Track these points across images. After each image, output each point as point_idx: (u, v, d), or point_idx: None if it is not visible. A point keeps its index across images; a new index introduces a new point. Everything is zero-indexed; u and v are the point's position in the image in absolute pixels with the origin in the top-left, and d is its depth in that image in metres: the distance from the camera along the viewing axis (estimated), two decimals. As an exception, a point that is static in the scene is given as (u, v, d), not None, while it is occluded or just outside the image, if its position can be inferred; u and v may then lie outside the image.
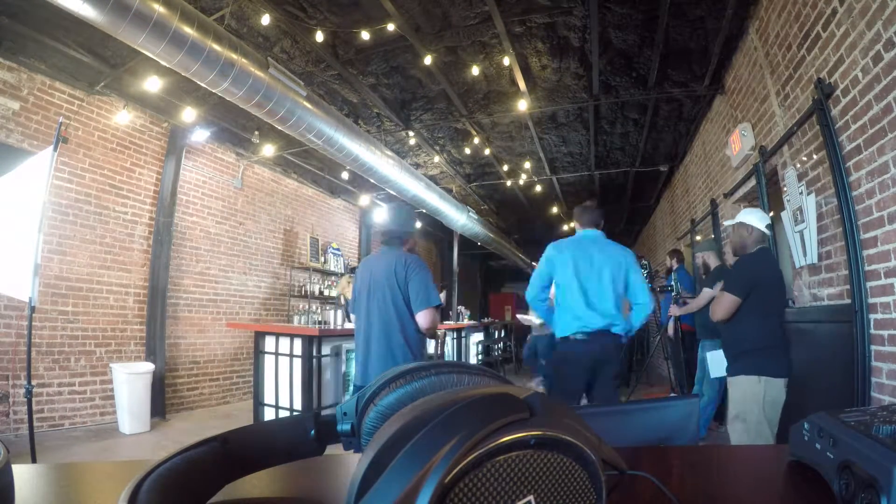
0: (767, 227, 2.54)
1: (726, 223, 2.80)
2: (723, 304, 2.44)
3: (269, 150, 5.67)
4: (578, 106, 4.93)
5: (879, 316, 2.15)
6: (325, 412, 0.34)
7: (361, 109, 5.15)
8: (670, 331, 4.53)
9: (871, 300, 2.20)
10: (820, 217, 2.68)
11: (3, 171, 3.06)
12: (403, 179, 5.51)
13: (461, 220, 7.49)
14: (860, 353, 2.22)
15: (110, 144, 4.58)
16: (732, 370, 2.48)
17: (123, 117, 4.61)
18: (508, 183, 7.30)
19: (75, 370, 4.23)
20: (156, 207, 4.97)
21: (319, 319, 5.82)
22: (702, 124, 5.15)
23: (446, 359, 5.99)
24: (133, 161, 4.80)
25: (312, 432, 0.33)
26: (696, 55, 4.01)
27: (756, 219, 2.51)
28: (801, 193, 2.78)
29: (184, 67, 2.89)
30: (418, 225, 2.38)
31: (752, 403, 2.30)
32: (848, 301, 2.35)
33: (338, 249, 8.09)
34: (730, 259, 3.24)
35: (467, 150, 6.18)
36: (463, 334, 7.92)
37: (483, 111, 5.11)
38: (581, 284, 2.57)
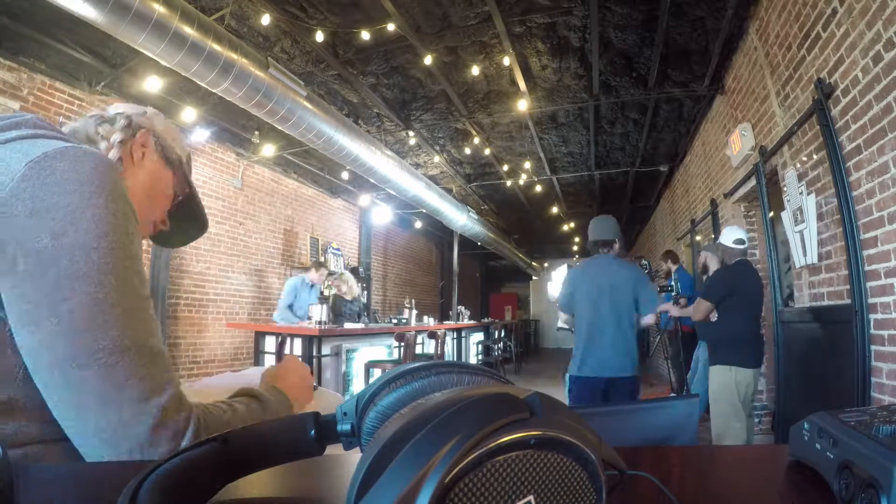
0: (735, 241, 3.02)
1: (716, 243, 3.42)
2: (700, 308, 3.04)
3: (269, 150, 5.67)
4: (578, 106, 4.93)
5: (879, 316, 2.15)
6: (324, 412, 0.34)
7: (361, 109, 5.16)
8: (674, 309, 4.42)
9: (871, 300, 2.20)
10: (820, 217, 2.68)
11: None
12: (403, 179, 5.51)
13: (461, 220, 7.49)
14: (860, 353, 2.22)
15: (110, 144, 4.58)
16: (711, 360, 3.05)
17: (123, 117, 4.60)
18: (508, 183, 7.30)
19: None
20: (156, 207, 4.96)
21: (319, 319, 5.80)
22: (702, 124, 5.15)
23: (446, 358, 5.98)
24: (133, 161, 4.79)
25: (312, 432, 0.33)
26: (696, 55, 4.01)
27: (726, 238, 3.07)
28: (801, 193, 2.78)
29: (184, 67, 2.89)
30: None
31: (727, 386, 2.87)
32: (848, 301, 2.35)
33: (338, 249, 8.10)
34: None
35: (467, 150, 6.18)
36: (463, 334, 7.92)
37: (483, 111, 5.11)
38: None
